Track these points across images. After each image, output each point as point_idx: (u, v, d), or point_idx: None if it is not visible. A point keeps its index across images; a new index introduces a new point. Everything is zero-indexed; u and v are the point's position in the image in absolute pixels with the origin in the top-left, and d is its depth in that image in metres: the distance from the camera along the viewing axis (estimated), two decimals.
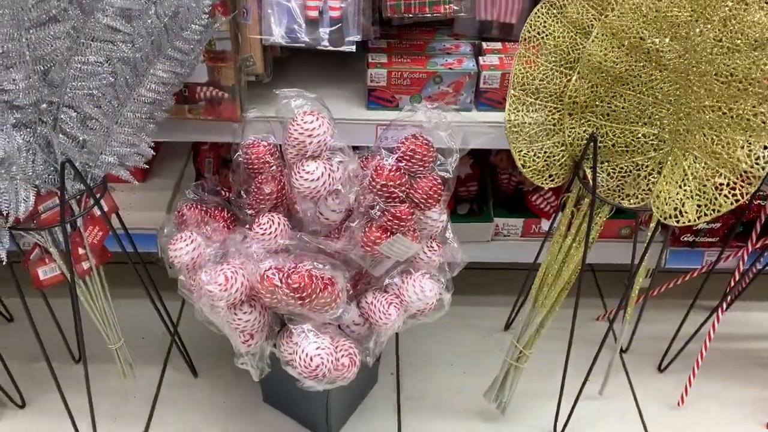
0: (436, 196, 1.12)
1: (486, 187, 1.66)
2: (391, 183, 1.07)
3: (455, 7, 1.30)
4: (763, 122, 1.00)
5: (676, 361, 1.58)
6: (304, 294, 1.03)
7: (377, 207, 1.07)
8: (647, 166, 1.16)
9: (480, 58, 1.40)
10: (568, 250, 1.27)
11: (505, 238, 1.62)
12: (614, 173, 1.19)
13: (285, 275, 1.04)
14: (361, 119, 1.36)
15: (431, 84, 1.37)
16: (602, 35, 1.11)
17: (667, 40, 1.06)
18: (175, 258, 1.14)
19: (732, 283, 1.47)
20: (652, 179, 1.16)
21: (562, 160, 1.22)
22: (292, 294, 1.03)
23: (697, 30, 1.03)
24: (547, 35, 1.17)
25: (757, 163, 1.02)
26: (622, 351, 1.65)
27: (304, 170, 1.06)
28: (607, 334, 1.36)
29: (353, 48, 1.23)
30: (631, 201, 1.19)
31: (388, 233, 1.11)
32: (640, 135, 1.15)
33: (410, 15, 1.28)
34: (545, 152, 1.22)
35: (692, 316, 1.53)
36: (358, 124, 1.36)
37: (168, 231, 1.20)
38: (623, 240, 1.61)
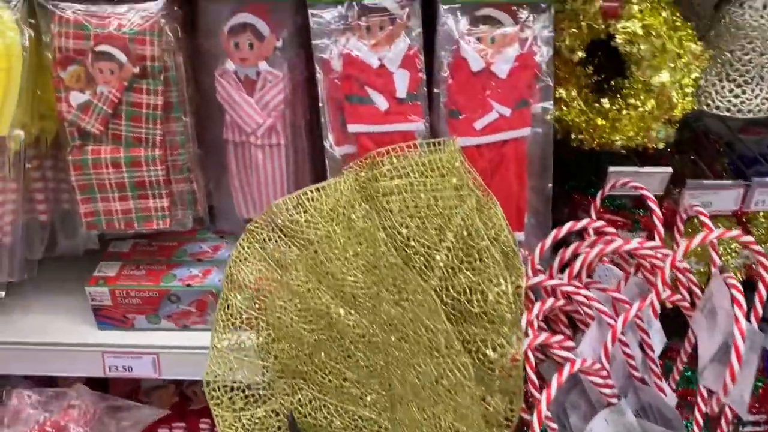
0: None
1: None
2: None
3: (179, 218, 1.04)
4: None
5: None
6: None
7: None
8: None
9: None
10: None
11: None
12: None
13: None
14: (85, 343, 1.10)
15: (167, 303, 1.10)
16: (286, 294, 0.83)
17: (352, 312, 0.77)
18: None
19: None
20: None
21: None
22: None
23: (384, 305, 0.74)
24: (246, 274, 0.90)
25: None
26: None
27: None
28: None
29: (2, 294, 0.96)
30: None
31: None
32: (357, 417, 0.85)
33: (113, 231, 1.03)
34: (256, 422, 0.92)
35: None
36: (79, 350, 1.10)
37: None
38: None
